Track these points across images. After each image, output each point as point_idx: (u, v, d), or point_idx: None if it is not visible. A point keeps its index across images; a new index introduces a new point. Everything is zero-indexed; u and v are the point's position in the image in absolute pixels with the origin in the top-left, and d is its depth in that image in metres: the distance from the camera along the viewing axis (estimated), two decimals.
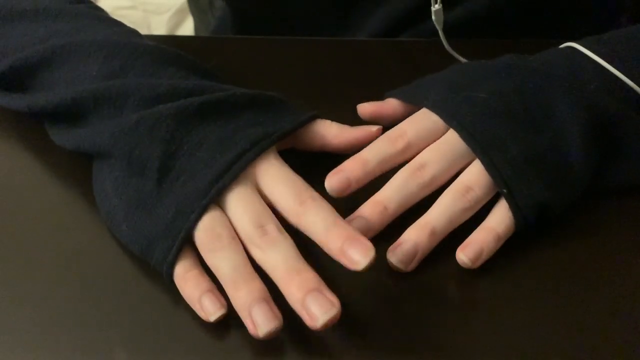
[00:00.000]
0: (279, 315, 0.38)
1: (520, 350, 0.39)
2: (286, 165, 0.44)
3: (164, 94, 0.44)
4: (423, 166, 0.44)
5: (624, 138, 0.46)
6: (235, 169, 0.42)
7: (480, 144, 0.44)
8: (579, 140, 0.44)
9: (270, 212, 0.42)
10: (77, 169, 0.47)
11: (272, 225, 0.41)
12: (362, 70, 0.56)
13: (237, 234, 0.41)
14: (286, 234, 0.40)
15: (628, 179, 0.47)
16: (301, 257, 0.40)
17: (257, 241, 0.40)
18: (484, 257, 0.42)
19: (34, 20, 0.50)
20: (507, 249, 0.43)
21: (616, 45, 0.48)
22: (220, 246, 0.40)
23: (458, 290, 0.42)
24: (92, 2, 0.55)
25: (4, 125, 0.51)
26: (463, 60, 0.55)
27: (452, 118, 0.45)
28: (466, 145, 0.44)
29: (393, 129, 0.46)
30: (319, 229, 0.40)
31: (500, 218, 0.43)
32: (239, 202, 0.41)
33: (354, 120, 0.49)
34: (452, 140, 0.45)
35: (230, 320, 0.39)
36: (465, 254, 0.42)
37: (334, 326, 0.37)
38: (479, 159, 0.44)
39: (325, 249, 0.40)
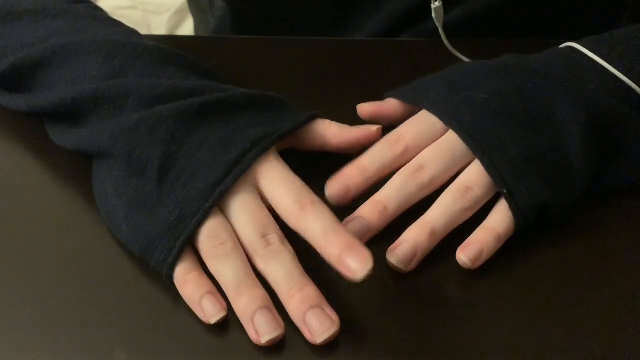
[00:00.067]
0: (282, 323, 0.38)
1: (520, 350, 0.39)
2: (286, 166, 0.44)
3: (164, 94, 0.44)
4: (423, 167, 0.44)
5: (624, 138, 0.46)
6: (236, 171, 0.42)
7: (480, 144, 0.44)
8: (579, 140, 0.44)
9: (273, 220, 0.42)
10: (77, 169, 0.47)
11: (275, 236, 0.41)
12: (362, 70, 0.56)
13: (239, 240, 0.41)
14: (288, 245, 0.41)
15: (628, 179, 0.47)
16: (303, 270, 0.40)
17: (261, 252, 0.40)
18: (484, 257, 0.42)
19: (34, 20, 0.50)
20: (507, 249, 0.43)
21: (616, 45, 0.48)
22: (223, 253, 0.40)
23: (458, 290, 0.42)
24: (92, 2, 0.55)
25: (4, 125, 0.51)
26: (464, 58, 0.55)
27: (452, 118, 0.45)
28: (466, 146, 0.44)
29: (391, 133, 0.46)
30: (318, 234, 0.40)
31: (500, 218, 0.43)
32: (242, 209, 0.41)
33: (354, 120, 0.49)
34: (451, 140, 0.45)
35: (230, 320, 0.39)
36: (465, 254, 0.42)
37: None
38: (479, 159, 0.44)
39: (324, 255, 0.40)
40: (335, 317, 0.38)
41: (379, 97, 0.50)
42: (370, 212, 0.43)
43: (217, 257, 0.40)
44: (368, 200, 0.44)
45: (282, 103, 0.46)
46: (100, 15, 0.52)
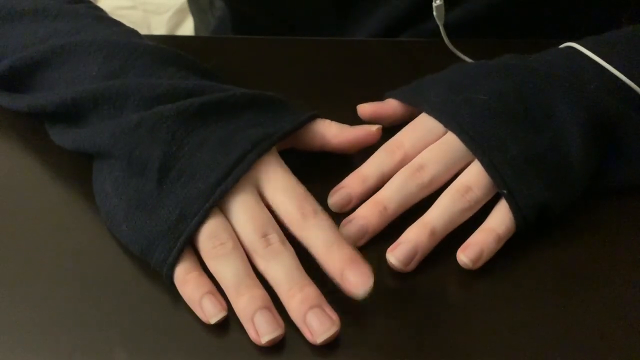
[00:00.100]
0: (282, 323, 0.38)
1: (520, 350, 0.39)
2: (287, 167, 0.44)
3: (164, 94, 0.44)
4: (423, 167, 0.44)
5: (624, 138, 0.46)
6: (237, 171, 0.42)
7: (479, 144, 0.44)
8: (579, 140, 0.44)
9: (273, 220, 0.42)
10: (77, 169, 0.47)
11: (275, 235, 0.41)
12: (362, 70, 0.56)
13: (239, 240, 0.41)
14: (288, 245, 0.41)
15: (628, 179, 0.47)
16: (303, 270, 0.40)
17: (261, 252, 0.40)
18: (485, 257, 0.42)
19: (34, 20, 0.50)
20: (507, 249, 0.43)
21: (616, 45, 0.48)
22: (224, 253, 0.40)
23: (458, 290, 0.42)
24: (91, 2, 0.55)
25: (4, 125, 0.51)
26: (464, 57, 0.55)
27: (452, 119, 0.45)
28: (465, 146, 0.44)
29: (390, 140, 0.47)
30: (319, 246, 0.40)
31: (500, 219, 0.43)
32: (242, 209, 0.41)
33: (354, 120, 0.49)
34: (451, 141, 0.45)
35: (230, 320, 0.39)
36: (466, 254, 0.42)
37: None
38: (479, 160, 0.44)
39: (325, 268, 0.40)
40: (335, 317, 0.38)
41: (379, 97, 0.50)
42: (370, 211, 0.43)
43: (217, 257, 0.40)
44: (368, 200, 0.44)
45: (282, 103, 0.47)
46: (100, 15, 0.52)
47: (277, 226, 0.42)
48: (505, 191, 0.43)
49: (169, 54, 0.48)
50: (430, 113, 0.46)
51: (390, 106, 0.50)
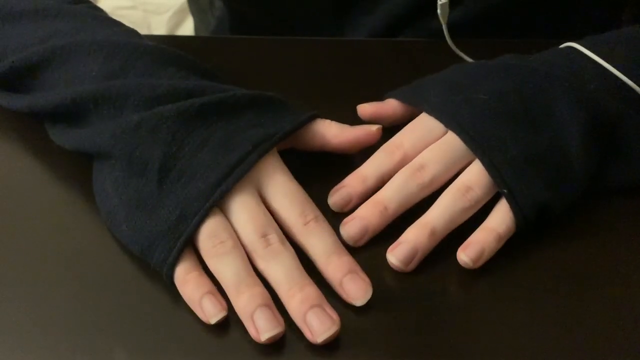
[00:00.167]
0: (282, 320, 0.38)
1: (520, 350, 0.39)
2: (286, 168, 0.44)
3: (164, 94, 0.44)
4: (423, 166, 0.44)
5: (624, 138, 0.46)
6: (238, 172, 0.42)
7: (480, 144, 0.44)
8: (579, 140, 0.44)
9: (273, 220, 0.42)
10: (77, 169, 0.47)
11: (275, 236, 0.41)
12: (362, 70, 0.56)
13: (239, 240, 0.41)
14: (288, 245, 0.41)
15: (628, 179, 0.47)
16: (303, 270, 0.40)
17: (261, 252, 0.40)
18: (485, 257, 0.42)
19: (34, 20, 0.50)
20: (507, 249, 0.43)
21: (616, 45, 0.48)
22: (223, 252, 0.40)
23: (458, 290, 0.42)
24: (91, 2, 0.55)
25: (4, 125, 0.51)
26: (465, 57, 0.55)
27: (452, 119, 0.45)
28: (466, 146, 0.44)
29: (390, 140, 0.47)
30: (320, 254, 0.41)
31: (500, 218, 0.43)
32: (242, 209, 0.41)
33: (354, 120, 0.49)
34: (452, 140, 0.45)
35: (231, 320, 0.39)
36: (466, 254, 0.42)
37: None
38: (479, 159, 0.44)
39: (324, 275, 0.41)
40: (335, 316, 0.39)
41: (379, 97, 0.50)
42: (371, 211, 0.43)
43: (217, 256, 0.40)
44: (368, 200, 0.44)
45: (282, 103, 0.47)
46: (100, 15, 0.52)
47: (277, 227, 0.42)
48: (505, 191, 0.43)
49: (169, 54, 0.48)
50: (430, 113, 0.47)
51: (390, 106, 0.50)
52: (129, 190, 0.42)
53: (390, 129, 0.48)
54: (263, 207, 0.42)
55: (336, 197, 0.45)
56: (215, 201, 0.41)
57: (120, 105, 0.44)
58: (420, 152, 0.45)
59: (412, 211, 0.44)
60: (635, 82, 0.46)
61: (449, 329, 0.40)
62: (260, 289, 0.39)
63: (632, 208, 0.46)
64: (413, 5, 0.62)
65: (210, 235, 0.41)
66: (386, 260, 0.42)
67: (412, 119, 0.48)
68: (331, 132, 0.47)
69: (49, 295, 0.41)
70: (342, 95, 0.52)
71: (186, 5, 0.97)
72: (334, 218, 0.44)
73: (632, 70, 0.47)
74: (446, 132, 0.46)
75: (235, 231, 0.41)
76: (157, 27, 1.24)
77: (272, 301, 0.39)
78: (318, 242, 0.41)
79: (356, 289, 0.40)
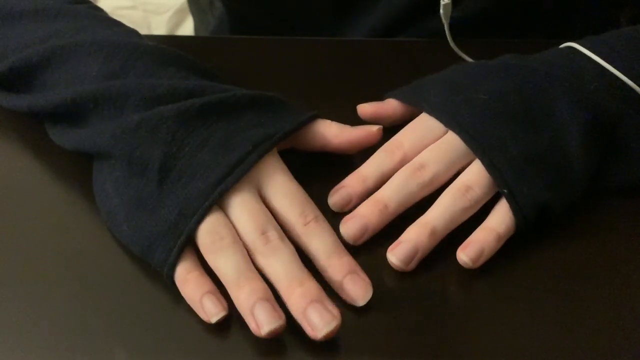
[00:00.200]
0: (282, 314, 0.38)
1: (520, 350, 0.39)
2: (286, 169, 0.44)
3: (165, 94, 0.44)
4: (423, 166, 0.44)
5: (624, 138, 0.46)
6: (237, 172, 0.42)
7: (480, 144, 0.44)
8: (579, 140, 0.44)
9: (273, 219, 0.42)
10: (77, 169, 0.47)
11: (275, 233, 0.41)
12: (362, 70, 0.56)
13: (239, 237, 0.41)
14: (288, 242, 0.41)
15: (628, 179, 0.47)
16: (302, 265, 0.40)
17: (260, 249, 0.40)
18: (485, 257, 0.42)
19: (34, 21, 0.50)
20: (507, 249, 0.43)
21: (616, 45, 0.48)
22: (223, 247, 0.40)
23: (458, 290, 0.42)
24: (92, 2, 0.55)
25: (4, 125, 0.51)
26: (466, 57, 0.55)
27: (452, 119, 0.45)
28: (466, 146, 0.44)
29: (390, 140, 0.47)
30: (320, 254, 0.41)
31: (500, 218, 0.43)
32: (242, 207, 0.41)
33: (354, 120, 0.49)
34: (452, 140, 0.45)
35: (231, 320, 0.39)
36: (466, 253, 0.42)
37: None
38: (479, 159, 0.44)
39: (324, 276, 0.41)
40: (336, 311, 0.38)
41: (379, 97, 0.50)
42: (371, 210, 0.43)
43: (216, 251, 0.40)
44: (368, 199, 0.44)
45: (283, 103, 0.47)
46: (101, 15, 0.52)
47: (276, 224, 0.42)
48: (505, 190, 0.43)
49: (169, 54, 0.48)
50: (430, 113, 0.47)
51: (391, 106, 0.50)
52: (129, 190, 0.42)
53: (390, 129, 0.48)
54: (263, 205, 0.42)
55: (336, 197, 0.45)
56: (214, 200, 0.41)
57: (121, 105, 0.44)
58: (420, 152, 0.46)
59: (412, 211, 0.44)
60: (635, 82, 0.46)
61: (449, 329, 0.40)
62: (260, 283, 0.39)
63: (632, 208, 0.46)
64: (413, 5, 0.62)
65: (209, 231, 0.41)
66: (386, 259, 0.42)
67: (412, 119, 0.48)
68: (331, 133, 0.47)
69: (49, 295, 0.41)
70: (342, 95, 0.52)
71: (186, 5, 0.97)
72: (334, 218, 0.44)
73: (632, 71, 0.47)
74: (446, 132, 0.46)
75: (235, 229, 0.41)
76: (157, 27, 1.23)
77: (272, 296, 0.39)
78: (318, 243, 0.41)
79: (357, 290, 0.40)
